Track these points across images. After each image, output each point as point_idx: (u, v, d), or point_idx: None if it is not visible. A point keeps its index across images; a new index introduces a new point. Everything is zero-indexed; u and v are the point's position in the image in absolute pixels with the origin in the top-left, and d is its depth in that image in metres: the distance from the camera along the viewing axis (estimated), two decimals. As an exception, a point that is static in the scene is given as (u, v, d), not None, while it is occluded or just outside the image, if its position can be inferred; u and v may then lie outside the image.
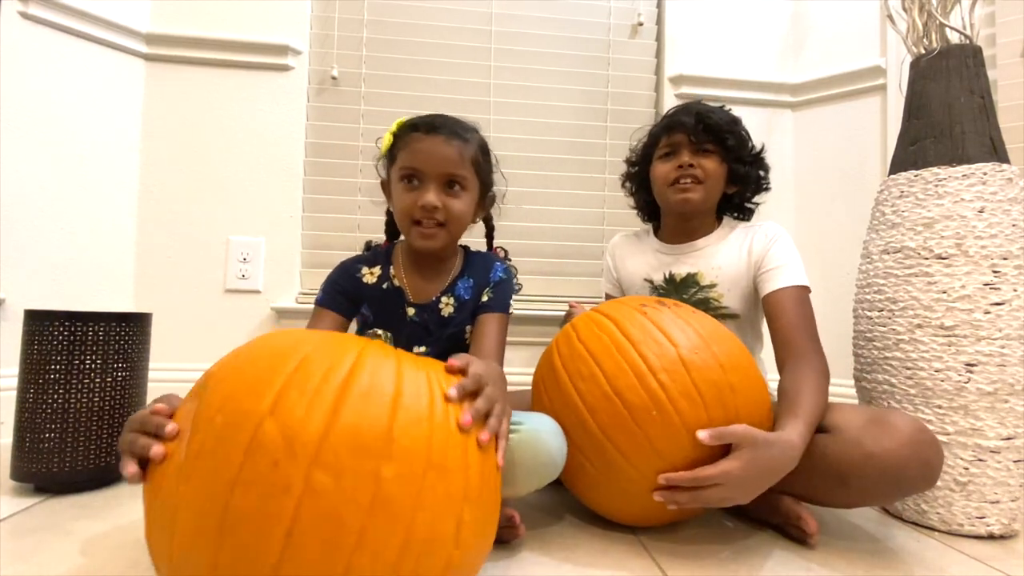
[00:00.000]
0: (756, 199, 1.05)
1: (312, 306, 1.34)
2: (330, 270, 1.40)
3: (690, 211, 0.98)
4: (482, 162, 0.87)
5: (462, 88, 1.47)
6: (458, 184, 0.82)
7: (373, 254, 0.92)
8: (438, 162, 0.80)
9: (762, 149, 1.02)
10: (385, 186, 0.90)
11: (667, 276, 1.01)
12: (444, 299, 0.88)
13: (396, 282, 0.88)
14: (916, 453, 0.69)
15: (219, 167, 1.38)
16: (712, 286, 0.97)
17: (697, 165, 0.95)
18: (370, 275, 0.89)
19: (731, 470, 0.65)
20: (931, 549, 0.77)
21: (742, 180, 0.99)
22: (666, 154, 0.99)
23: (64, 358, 0.85)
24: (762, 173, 1.01)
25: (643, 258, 1.06)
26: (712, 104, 1.00)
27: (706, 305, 0.96)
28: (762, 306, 0.93)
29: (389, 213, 0.93)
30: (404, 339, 0.88)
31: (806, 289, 0.90)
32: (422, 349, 0.87)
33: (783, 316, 0.87)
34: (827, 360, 0.83)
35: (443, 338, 0.88)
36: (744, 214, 1.06)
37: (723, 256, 0.98)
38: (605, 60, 1.53)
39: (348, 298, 0.88)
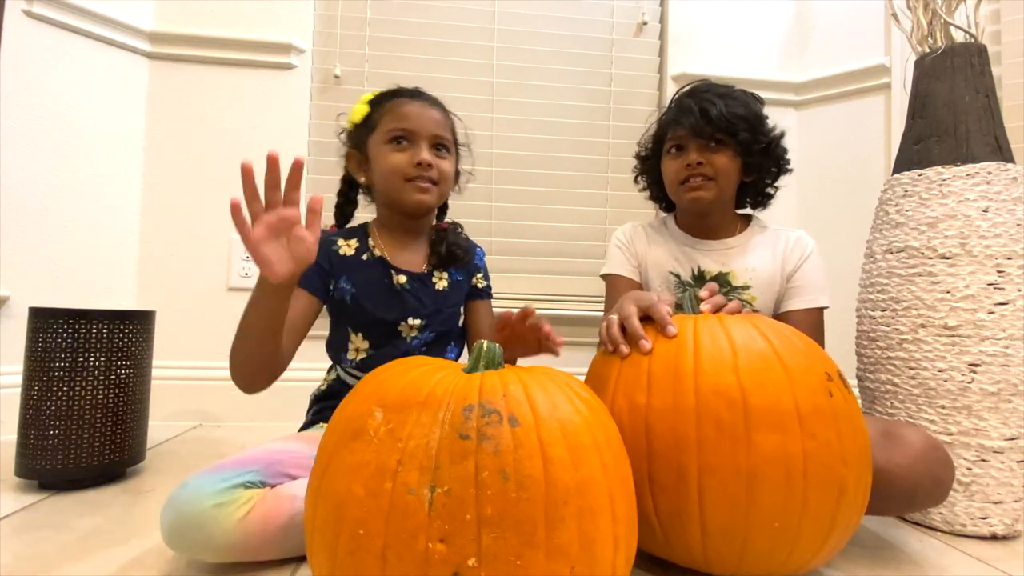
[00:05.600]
0: (777, 183, 0.98)
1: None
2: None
3: (702, 210, 0.94)
4: (457, 135, 0.89)
5: (465, 87, 1.47)
6: (444, 148, 0.84)
7: (345, 230, 0.89)
8: (428, 123, 0.82)
9: (781, 135, 0.94)
10: (351, 156, 0.88)
11: (696, 272, 0.95)
12: (437, 273, 0.87)
13: (377, 252, 0.85)
14: (928, 470, 0.68)
15: (222, 165, 1.38)
16: (746, 288, 0.93)
17: (707, 162, 0.89)
18: (347, 247, 0.85)
19: None
20: (934, 549, 0.76)
21: (758, 170, 0.93)
22: (675, 148, 0.93)
23: (68, 355, 0.86)
24: (780, 158, 0.94)
25: (666, 248, 0.99)
26: (722, 87, 0.93)
27: None
28: (780, 316, 0.93)
29: (344, 194, 0.92)
30: (397, 310, 0.83)
31: (825, 309, 0.93)
32: (417, 322, 0.84)
33: None
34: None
35: (441, 314, 0.86)
36: (764, 199, 1.00)
37: (756, 257, 0.94)
38: (608, 59, 1.52)
39: (322, 275, 0.82)
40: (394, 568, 0.40)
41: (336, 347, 0.86)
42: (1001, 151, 0.85)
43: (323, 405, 0.87)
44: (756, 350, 0.60)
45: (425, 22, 1.47)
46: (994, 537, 0.80)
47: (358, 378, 0.83)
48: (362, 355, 0.84)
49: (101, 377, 0.88)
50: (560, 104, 1.50)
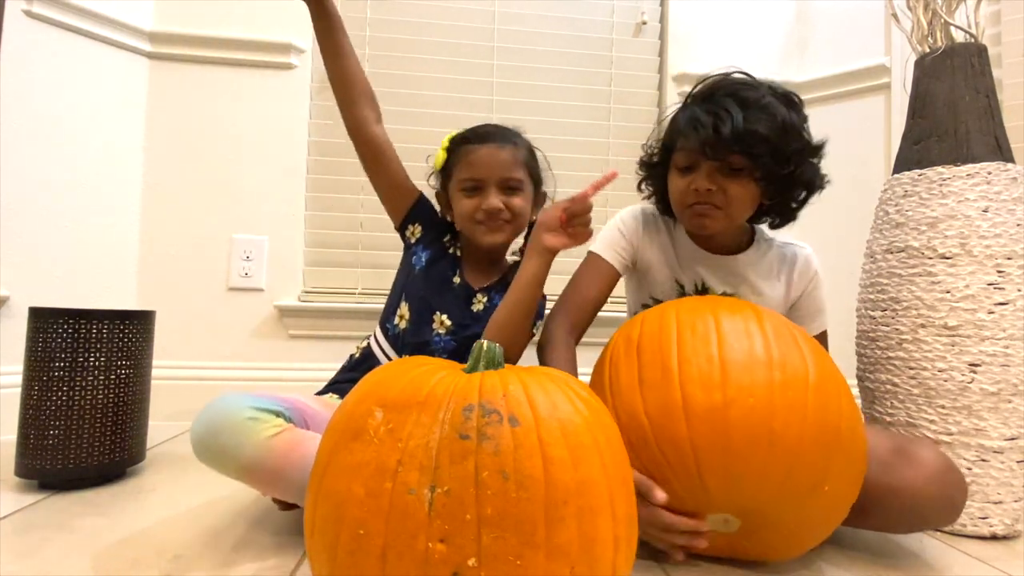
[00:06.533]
0: (810, 200, 0.85)
1: (309, 304, 1.37)
2: (332, 268, 1.42)
3: (708, 235, 0.87)
4: (532, 163, 0.93)
5: (465, 87, 1.47)
6: (515, 188, 0.89)
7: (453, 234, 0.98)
8: (495, 168, 0.87)
9: (816, 148, 0.81)
10: (440, 197, 0.97)
11: (700, 288, 0.89)
12: (479, 295, 0.92)
13: (459, 253, 0.95)
14: (941, 492, 0.67)
15: (222, 165, 1.38)
16: None
17: (718, 188, 0.78)
18: (450, 236, 0.96)
19: None
20: (933, 549, 0.76)
21: (780, 193, 0.82)
22: (685, 167, 0.82)
23: (68, 355, 0.86)
24: (812, 181, 0.82)
25: (673, 251, 0.91)
26: (750, 90, 0.77)
27: None
28: None
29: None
30: (439, 300, 0.90)
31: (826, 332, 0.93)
32: (448, 323, 0.89)
33: None
34: None
35: (468, 329, 0.89)
36: (787, 219, 0.88)
37: (763, 281, 0.89)
38: (608, 59, 1.52)
39: (436, 214, 0.95)
40: (394, 568, 0.40)
41: (387, 311, 0.94)
42: (1001, 151, 0.85)
43: (345, 377, 0.91)
44: (734, 302, 0.72)
45: (425, 22, 1.47)
46: (994, 537, 0.80)
47: (386, 354, 0.90)
48: (402, 324, 0.90)
49: (101, 377, 0.88)
50: (560, 104, 1.50)
